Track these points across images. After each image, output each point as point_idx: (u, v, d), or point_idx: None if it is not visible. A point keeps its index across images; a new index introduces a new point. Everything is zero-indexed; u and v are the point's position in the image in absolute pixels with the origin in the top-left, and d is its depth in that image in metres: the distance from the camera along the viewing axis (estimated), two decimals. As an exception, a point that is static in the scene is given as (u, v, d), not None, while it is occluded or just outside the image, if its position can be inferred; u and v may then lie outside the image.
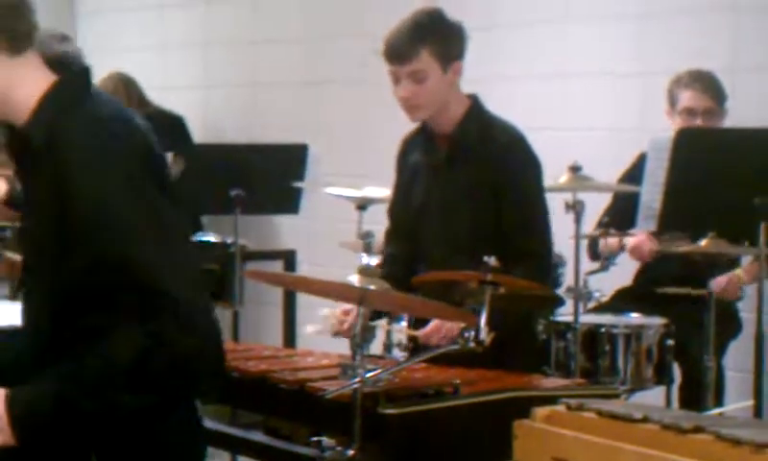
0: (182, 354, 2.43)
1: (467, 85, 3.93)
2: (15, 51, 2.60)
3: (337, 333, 3.74)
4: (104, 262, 2.48)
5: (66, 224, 2.50)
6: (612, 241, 4.75)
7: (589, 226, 4.71)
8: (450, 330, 3.53)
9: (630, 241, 4.74)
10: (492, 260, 3.02)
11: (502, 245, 3.66)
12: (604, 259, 4.65)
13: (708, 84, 4.83)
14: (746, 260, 4.67)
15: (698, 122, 4.78)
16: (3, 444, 2.46)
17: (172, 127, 6.69)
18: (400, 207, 4.04)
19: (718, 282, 4.32)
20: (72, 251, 2.51)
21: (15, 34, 2.61)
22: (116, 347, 2.45)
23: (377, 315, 3.79)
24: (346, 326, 3.67)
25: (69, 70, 2.67)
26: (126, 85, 6.67)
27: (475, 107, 3.90)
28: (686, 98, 4.83)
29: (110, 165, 2.52)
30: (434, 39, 3.78)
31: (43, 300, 2.64)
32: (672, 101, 4.89)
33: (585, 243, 4.65)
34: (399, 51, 3.78)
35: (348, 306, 3.64)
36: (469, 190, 3.79)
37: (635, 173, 4.75)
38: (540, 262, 3.79)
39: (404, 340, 3.83)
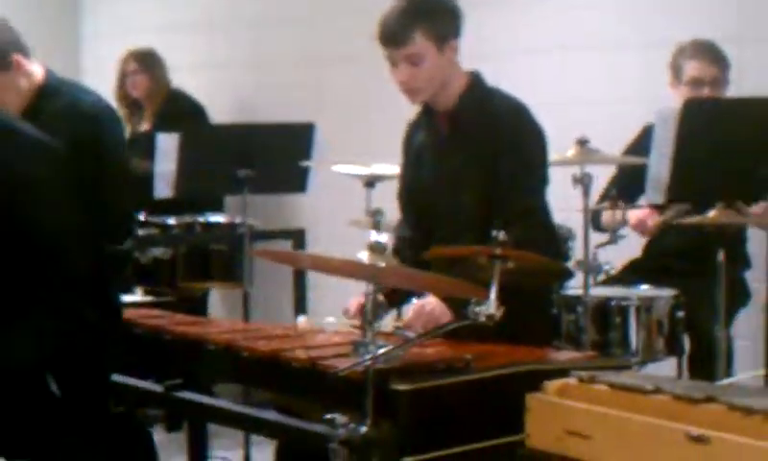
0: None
1: (469, 62, 3.92)
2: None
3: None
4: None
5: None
6: (617, 213, 4.75)
7: (595, 198, 4.71)
8: (431, 313, 3.53)
9: (632, 216, 4.73)
10: (501, 235, 3.02)
11: (499, 207, 3.65)
12: (612, 232, 4.65)
13: (713, 53, 4.83)
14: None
15: (705, 92, 4.77)
16: None
17: (189, 112, 6.73)
18: (408, 190, 4.04)
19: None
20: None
21: None
22: None
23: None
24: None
25: None
26: (155, 63, 6.74)
27: (475, 82, 3.88)
28: (692, 68, 4.83)
29: None
30: (427, 21, 3.74)
31: None
32: (677, 72, 4.89)
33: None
34: (393, 35, 3.76)
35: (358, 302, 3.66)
36: (471, 165, 3.78)
37: (640, 145, 4.75)
38: (537, 222, 3.75)
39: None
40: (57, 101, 4.41)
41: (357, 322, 3.63)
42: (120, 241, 4.51)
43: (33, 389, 2.73)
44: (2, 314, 2.66)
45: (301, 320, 4.05)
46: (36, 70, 4.41)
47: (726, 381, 4.04)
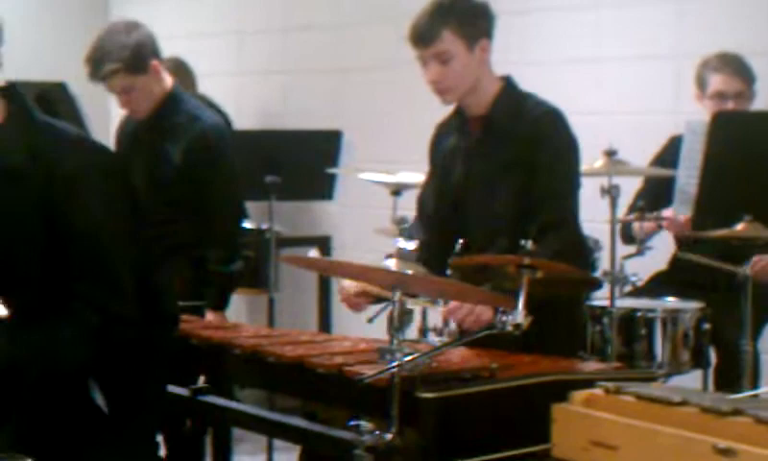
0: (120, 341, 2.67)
1: (500, 70, 3.92)
2: None
3: (343, 301, 3.76)
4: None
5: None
6: (648, 224, 4.74)
7: (623, 210, 4.70)
8: (470, 310, 3.51)
9: (669, 217, 4.72)
10: (529, 244, 3.01)
11: (533, 214, 3.65)
12: (640, 243, 4.64)
13: (737, 67, 4.81)
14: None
15: (729, 105, 4.76)
16: None
17: None
18: (433, 194, 4.03)
19: (755, 263, 4.30)
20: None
21: None
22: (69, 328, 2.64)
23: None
24: (354, 301, 3.70)
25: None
26: (184, 71, 6.78)
27: (508, 86, 3.87)
28: (717, 82, 4.81)
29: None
30: (456, 19, 3.76)
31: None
32: (701, 85, 4.87)
33: (618, 227, 4.64)
34: (422, 34, 3.77)
35: (360, 288, 3.66)
36: (505, 170, 3.77)
37: (666, 156, 4.74)
38: (568, 233, 3.74)
39: (440, 324, 3.83)
40: (179, 113, 4.58)
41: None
42: (226, 261, 4.60)
43: (77, 399, 2.74)
44: (44, 313, 2.67)
45: (312, 253, 4.04)
46: (167, 79, 4.59)
47: (750, 393, 4.03)
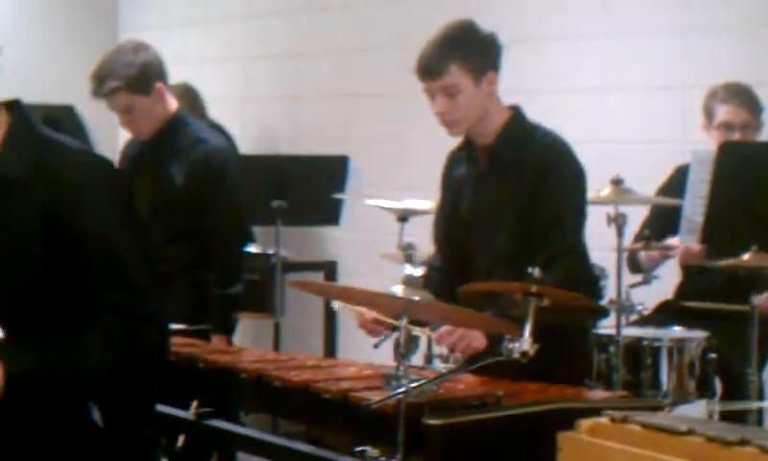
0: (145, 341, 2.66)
1: (506, 98, 3.93)
2: None
3: (362, 327, 3.76)
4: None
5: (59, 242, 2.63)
6: (654, 253, 4.74)
7: (629, 239, 4.70)
8: (465, 333, 3.51)
9: (677, 252, 4.71)
10: (536, 272, 3.01)
11: (539, 244, 3.65)
12: (646, 272, 4.64)
13: (744, 97, 4.82)
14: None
15: (735, 136, 4.77)
16: None
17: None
18: (444, 222, 4.04)
19: (762, 298, 4.30)
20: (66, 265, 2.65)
21: None
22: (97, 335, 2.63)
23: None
24: (371, 327, 3.70)
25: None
26: (192, 97, 6.80)
27: (516, 117, 3.88)
28: (723, 112, 4.82)
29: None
30: (463, 53, 3.77)
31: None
32: (709, 115, 4.88)
33: (625, 256, 4.64)
34: (429, 67, 3.78)
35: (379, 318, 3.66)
36: (511, 199, 3.78)
37: (672, 186, 4.75)
38: (576, 262, 3.75)
39: (446, 351, 3.84)
40: (183, 136, 4.59)
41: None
42: (226, 284, 4.60)
43: (73, 415, 2.73)
44: (62, 324, 2.67)
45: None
46: (172, 102, 4.60)
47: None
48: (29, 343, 2.62)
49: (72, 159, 2.72)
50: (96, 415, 2.76)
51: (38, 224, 2.64)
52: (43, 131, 2.77)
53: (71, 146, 2.79)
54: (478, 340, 3.49)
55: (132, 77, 4.56)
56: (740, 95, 4.83)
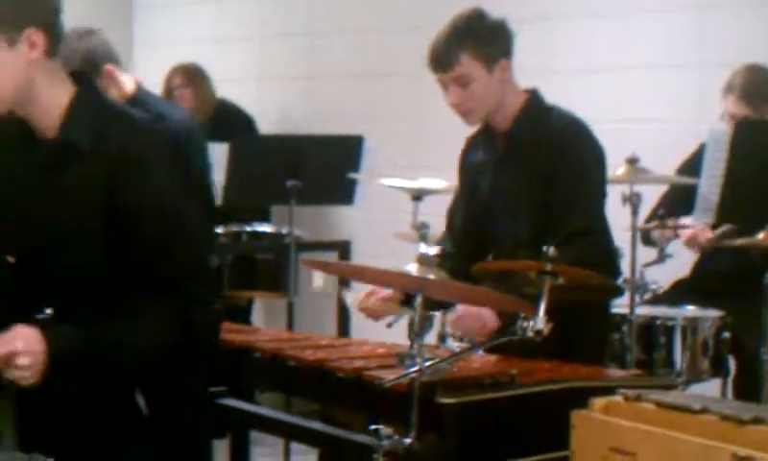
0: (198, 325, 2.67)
1: (522, 78, 3.92)
2: (53, 53, 2.68)
3: (362, 310, 3.77)
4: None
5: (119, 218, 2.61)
6: (667, 231, 4.72)
7: (645, 215, 4.70)
8: (478, 314, 3.51)
9: (684, 233, 4.71)
10: (550, 250, 3.01)
11: (556, 226, 3.65)
12: (660, 248, 4.63)
13: (745, 91, 4.76)
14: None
15: None
16: (29, 380, 2.51)
17: (238, 123, 6.76)
18: (461, 207, 4.03)
19: None
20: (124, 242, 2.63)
21: (57, 37, 2.68)
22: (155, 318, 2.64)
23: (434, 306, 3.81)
24: (369, 304, 3.71)
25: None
26: (192, 75, 6.77)
27: (533, 100, 3.86)
28: (726, 103, 4.80)
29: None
30: (473, 42, 3.74)
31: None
32: (724, 99, 4.86)
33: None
34: (440, 59, 3.76)
35: (369, 290, 3.67)
36: (529, 183, 3.76)
37: (695, 162, 4.72)
38: (595, 241, 3.72)
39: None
40: (144, 113, 4.55)
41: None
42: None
43: (119, 399, 2.73)
44: (121, 301, 2.66)
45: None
46: (128, 83, 4.57)
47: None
48: (80, 323, 2.61)
49: (135, 131, 2.71)
50: (140, 401, 2.75)
51: (98, 195, 2.63)
52: (108, 102, 2.77)
53: (136, 118, 2.78)
54: (492, 321, 3.49)
55: (76, 64, 4.51)
56: (742, 87, 4.75)
